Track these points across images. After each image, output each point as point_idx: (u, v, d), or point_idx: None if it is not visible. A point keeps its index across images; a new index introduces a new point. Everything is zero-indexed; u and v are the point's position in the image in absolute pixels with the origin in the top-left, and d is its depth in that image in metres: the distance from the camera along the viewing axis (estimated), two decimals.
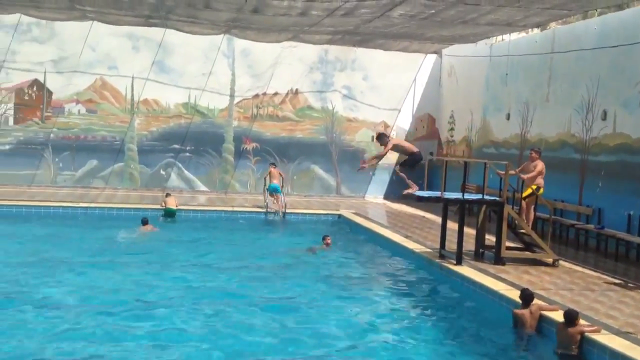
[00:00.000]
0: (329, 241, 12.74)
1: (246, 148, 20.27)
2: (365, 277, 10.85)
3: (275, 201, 16.64)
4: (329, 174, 20.94)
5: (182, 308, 8.28)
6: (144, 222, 13.74)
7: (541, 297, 8.24)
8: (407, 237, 13.19)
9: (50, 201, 15.93)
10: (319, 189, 20.80)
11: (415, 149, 10.95)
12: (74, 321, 7.60)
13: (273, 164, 17.87)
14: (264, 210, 16.77)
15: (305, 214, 17.03)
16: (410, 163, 10.94)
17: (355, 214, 16.77)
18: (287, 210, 16.60)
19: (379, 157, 11.41)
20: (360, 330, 7.84)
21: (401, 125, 21.26)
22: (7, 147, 18.67)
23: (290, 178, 20.47)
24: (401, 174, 11.05)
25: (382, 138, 10.95)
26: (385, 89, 20.73)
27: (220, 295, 9.09)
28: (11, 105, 18.72)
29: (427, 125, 21.45)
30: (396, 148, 11.11)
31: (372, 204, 19.86)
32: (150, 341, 7.04)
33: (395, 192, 20.20)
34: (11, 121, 18.77)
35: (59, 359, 6.44)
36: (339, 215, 16.98)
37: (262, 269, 10.90)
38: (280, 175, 17.06)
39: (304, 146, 20.63)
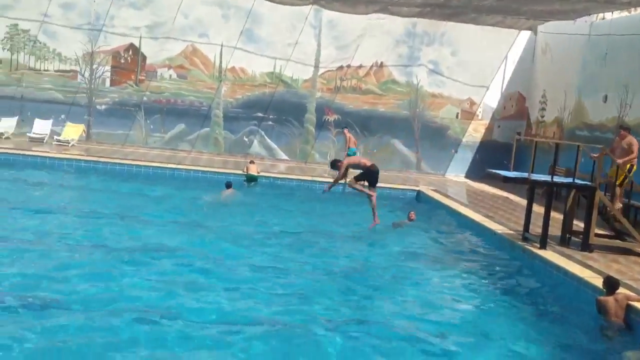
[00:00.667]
0: (413, 217, 12.67)
1: (328, 119, 20.36)
2: (443, 255, 10.74)
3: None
4: (409, 150, 20.72)
5: (258, 272, 8.53)
6: (228, 185, 14.21)
7: (630, 288, 7.87)
8: (488, 217, 12.90)
9: (141, 161, 16.68)
10: (398, 164, 20.65)
11: (368, 163, 12.01)
12: (156, 271, 8.01)
13: (346, 127, 17.92)
14: (343, 182, 16.79)
15: (384, 188, 16.93)
16: (364, 177, 12.02)
17: (435, 191, 16.54)
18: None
19: (337, 179, 12.26)
20: (437, 308, 7.80)
21: (488, 103, 20.64)
22: (104, 107, 19.68)
23: (370, 152, 20.40)
24: (355, 186, 12.02)
25: (334, 165, 12.16)
26: (474, 65, 20.13)
27: (299, 262, 9.25)
28: (108, 67, 19.66)
29: (516, 104, 20.71)
30: (351, 166, 12.17)
31: (453, 182, 19.51)
32: (226, 295, 7.31)
33: (477, 171, 19.78)
34: (108, 83, 19.73)
35: (137, 305, 6.78)
36: (418, 192, 16.80)
37: (341, 240, 10.98)
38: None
39: (386, 120, 20.46)
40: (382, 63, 20.37)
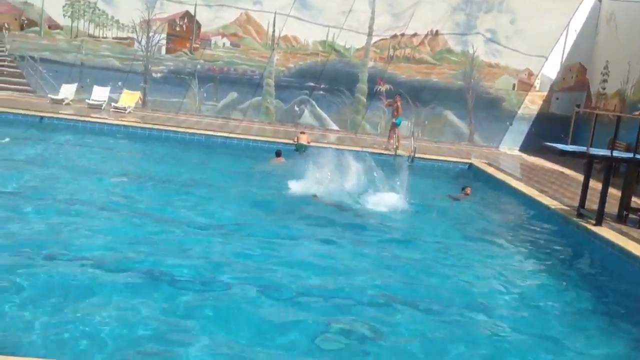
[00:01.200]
0: (469, 191, 12.50)
1: (379, 89, 20.13)
2: (495, 230, 10.55)
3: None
4: (462, 121, 20.31)
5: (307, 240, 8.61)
6: (278, 153, 14.35)
7: None
8: (542, 192, 12.58)
9: (194, 129, 16.98)
10: (450, 136, 20.31)
11: None
12: (204, 235, 8.20)
13: (399, 95, 17.90)
14: (393, 153, 16.69)
15: (435, 160, 16.75)
16: None
17: (488, 164, 16.21)
18: (417, 155, 16.42)
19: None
20: (489, 282, 7.71)
21: (547, 74, 19.94)
22: (159, 75, 20.06)
23: (422, 123, 20.15)
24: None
25: None
26: (533, 34, 19.41)
27: (352, 233, 9.23)
28: (164, 35, 19.96)
29: (576, 75, 19.92)
30: None
31: (507, 155, 19.07)
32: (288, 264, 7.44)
33: (532, 144, 19.25)
34: (163, 51, 20.06)
35: (182, 271, 6.98)
36: (470, 165, 16.52)
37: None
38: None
39: (439, 91, 20.08)
40: (437, 31, 19.91)
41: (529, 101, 20.19)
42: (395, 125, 17.33)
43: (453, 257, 8.54)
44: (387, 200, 10.76)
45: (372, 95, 20.15)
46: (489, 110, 20.15)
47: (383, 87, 20.11)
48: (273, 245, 8.12)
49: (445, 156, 17.17)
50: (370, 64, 20.05)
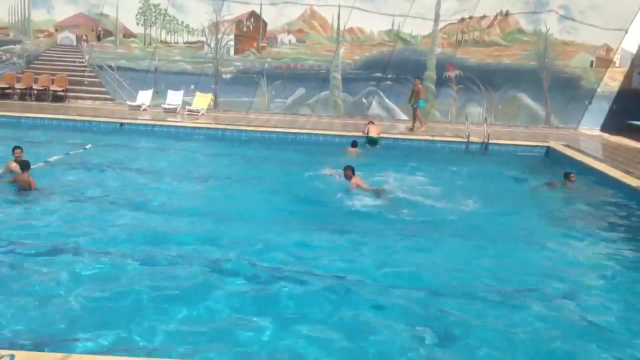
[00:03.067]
0: (573, 178, 11.83)
1: (449, 75, 19.73)
2: (578, 214, 10.14)
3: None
4: (537, 103, 19.60)
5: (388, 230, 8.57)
6: (354, 144, 14.73)
7: None
8: (627, 172, 11.95)
9: (265, 127, 17.26)
10: (525, 119, 19.65)
11: None
12: (273, 231, 8.31)
13: (418, 77, 18.28)
14: (466, 140, 16.33)
15: (510, 145, 16.26)
16: None
17: (567, 146, 15.56)
18: (490, 141, 16.00)
19: None
20: (575, 270, 7.43)
21: (627, 48, 18.88)
22: (229, 76, 20.53)
23: (495, 107, 19.60)
24: None
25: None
26: (610, 7, 18.45)
27: (434, 222, 9.11)
28: (232, 36, 20.40)
29: None
30: None
31: (587, 136, 18.24)
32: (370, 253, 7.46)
33: (614, 123, 18.33)
34: (232, 52, 20.51)
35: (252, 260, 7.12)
36: (548, 148, 15.92)
37: (472, 199, 10.70)
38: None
39: (511, 73, 19.45)
40: (507, 12, 19.27)
41: (609, 78, 19.21)
42: (418, 108, 17.51)
43: (531, 244, 8.28)
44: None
45: (442, 82, 19.78)
46: (566, 90, 19.34)
47: (452, 73, 19.70)
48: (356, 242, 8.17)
49: (521, 140, 16.63)
50: (438, 50, 19.69)
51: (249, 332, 5.44)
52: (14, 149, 10.29)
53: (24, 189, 9.21)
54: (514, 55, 19.45)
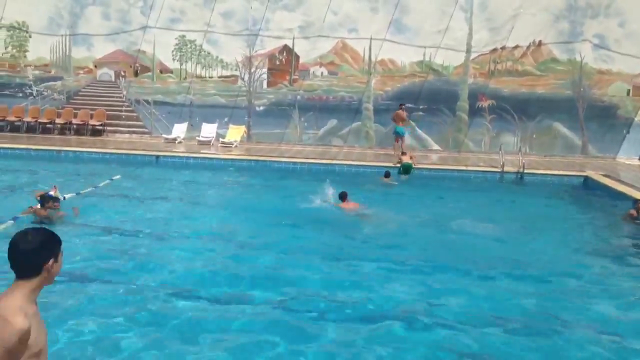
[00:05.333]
0: None
1: (481, 105, 19.62)
2: (620, 246, 9.84)
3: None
4: (573, 132, 19.28)
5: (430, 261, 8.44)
6: (386, 174, 14.80)
7: None
8: None
9: (297, 158, 17.37)
10: (561, 149, 19.32)
11: None
12: (303, 263, 8.26)
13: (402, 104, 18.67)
14: (500, 170, 16.12)
15: (546, 174, 15.98)
16: None
17: (606, 175, 15.21)
18: (526, 171, 15.75)
19: None
20: (612, 305, 7.17)
21: None
22: (262, 108, 20.80)
23: (529, 137, 19.36)
24: None
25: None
26: None
27: (470, 254, 8.95)
28: (265, 70, 20.74)
29: None
30: None
31: (625, 165, 17.81)
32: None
33: None
34: (265, 85, 20.82)
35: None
36: (585, 177, 15.58)
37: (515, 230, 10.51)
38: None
39: (546, 102, 19.24)
40: (540, 42, 19.17)
41: None
42: (398, 135, 17.95)
43: (567, 278, 8.03)
44: None
45: (474, 111, 19.67)
46: (603, 119, 19.01)
47: (485, 103, 19.58)
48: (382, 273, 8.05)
49: (556, 170, 16.33)
50: (470, 80, 19.63)
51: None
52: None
53: (42, 222, 9.38)
54: (548, 85, 19.26)
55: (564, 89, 19.15)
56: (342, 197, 11.55)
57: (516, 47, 19.27)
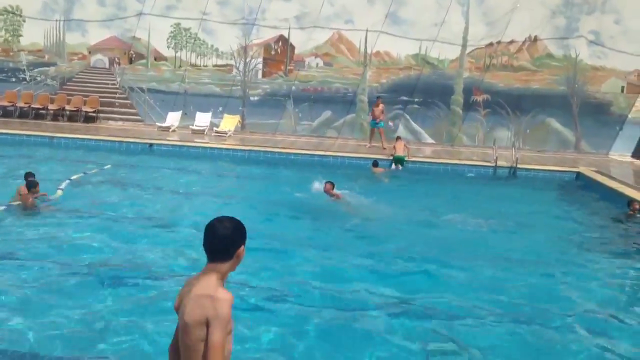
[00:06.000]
0: (637, 206, 11.18)
1: (476, 100, 19.64)
2: (610, 242, 9.90)
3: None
4: (566, 128, 19.35)
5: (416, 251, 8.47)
6: (374, 164, 14.97)
7: None
8: None
9: (291, 149, 17.35)
10: (554, 144, 19.39)
11: None
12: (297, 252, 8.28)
13: (379, 97, 18.52)
14: (493, 165, 16.16)
15: (538, 170, 16.04)
16: None
17: (597, 172, 15.28)
18: (519, 166, 15.80)
19: None
20: (604, 298, 7.24)
21: None
22: (257, 98, 20.75)
23: (523, 132, 19.41)
24: None
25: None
26: None
27: (460, 248, 8.97)
28: (260, 59, 20.67)
29: None
30: None
31: (617, 162, 17.90)
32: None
33: None
34: (260, 75, 20.76)
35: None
36: (578, 173, 15.65)
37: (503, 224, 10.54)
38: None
39: (540, 97, 19.27)
40: (536, 37, 19.18)
41: None
42: (374, 127, 18.14)
43: (564, 273, 8.09)
44: None
45: (469, 106, 19.69)
46: (596, 116, 19.08)
47: (480, 98, 19.60)
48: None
49: (549, 166, 16.40)
50: (466, 74, 19.64)
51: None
52: (26, 175, 10.06)
53: (26, 208, 9.37)
54: (543, 80, 19.30)
55: (558, 85, 19.19)
56: (329, 186, 11.67)
57: (512, 42, 19.28)
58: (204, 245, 2.98)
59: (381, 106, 18.08)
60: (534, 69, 19.32)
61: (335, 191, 11.58)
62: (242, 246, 3.02)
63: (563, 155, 18.61)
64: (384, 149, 17.40)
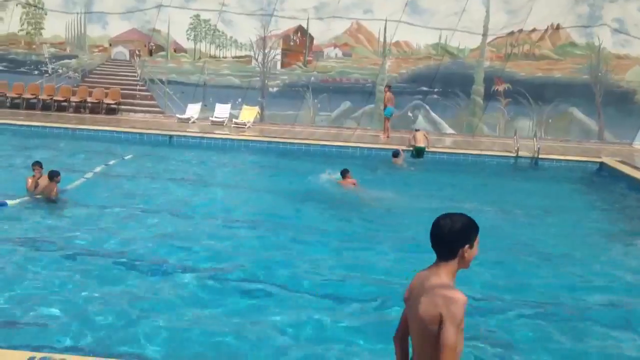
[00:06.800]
0: None
1: (497, 89, 19.42)
2: (636, 234, 9.75)
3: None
4: (589, 118, 19.05)
5: None
6: (395, 154, 14.93)
7: None
8: None
9: (310, 139, 17.35)
10: (577, 134, 19.11)
11: None
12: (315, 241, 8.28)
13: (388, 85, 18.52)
14: (514, 155, 15.98)
15: (561, 160, 15.83)
16: None
17: (621, 162, 15.04)
18: (541, 156, 15.61)
19: None
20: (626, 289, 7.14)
21: None
22: (275, 89, 20.76)
23: (545, 121, 19.16)
24: None
25: None
26: None
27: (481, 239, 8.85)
28: (279, 50, 20.65)
29: None
30: None
31: None
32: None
33: None
34: (279, 65, 20.75)
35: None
36: (601, 164, 15.42)
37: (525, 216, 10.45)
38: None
39: (562, 87, 18.99)
40: (558, 25, 18.87)
41: None
42: (385, 117, 18.02)
43: (584, 262, 8.00)
44: None
45: (489, 95, 19.48)
46: (620, 105, 18.74)
47: (501, 87, 19.38)
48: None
49: (571, 156, 16.17)
50: (486, 63, 19.41)
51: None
52: (34, 165, 9.96)
53: (49, 198, 9.46)
54: (565, 69, 19.00)
55: (581, 74, 18.89)
56: (343, 174, 11.80)
57: (533, 30, 19.00)
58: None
59: (388, 94, 18.03)
60: (557, 58, 19.03)
61: (350, 179, 11.70)
62: (467, 246, 2.86)
63: (586, 145, 18.34)
64: (387, 137, 17.68)
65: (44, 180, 9.60)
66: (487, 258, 7.86)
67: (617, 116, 18.76)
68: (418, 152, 15.80)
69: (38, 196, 9.54)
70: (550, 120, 19.15)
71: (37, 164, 9.89)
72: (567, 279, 7.36)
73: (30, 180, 9.73)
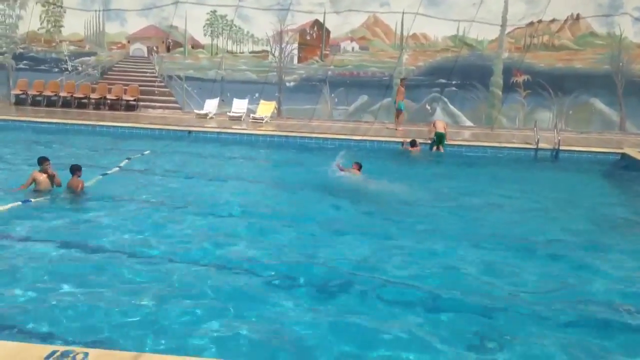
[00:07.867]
0: None
1: (516, 81, 19.21)
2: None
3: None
4: (610, 108, 18.78)
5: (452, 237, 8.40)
6: (413, 143, 15.22)
7: None
8: None
9: (328, 134, 17.33)
10: (598, 125, 18.85)
11: None
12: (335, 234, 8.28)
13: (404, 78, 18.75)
14: (534, 147, 15.83)
15: (581, 151, 15.63)
16: None
17: None
18: (562, 148, 15.43)
19: None
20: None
21: None
22: (292, 84, 20.77)
23: (565, 113, 18.93)
24: None
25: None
26: None
27: (501, 231, 8.86)
28: (295, 45, 20.65)
29: None
30: None
31: None
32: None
33: None
34: (295, 60, 20.75)
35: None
36: (623, 155, 15.19)
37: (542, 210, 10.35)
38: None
39: (583, 77, 18.73)
40: (578, 15, 18.60)
41: None
42: (398, 110, 18.29)
43: (599, 256, 7.90)
44: None
45: (509, 87, 19.28)
46: None
47: (520, 79, 19.17)
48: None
49: (592, 147, 15.95)
50: (505, 55, 19.22)
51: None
52: (41, 160, 9.74)
53: (74, 192, 9.56)
54: (585, 60, 18.74)
55: (602, 64, 18.61)
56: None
57: (553, 20, 18.75)
58: None
59: (401, 89, 18.21)
60: (577, 48, 18.76)
61: (354, 169, 11.97)
62: None
63: (607, 136, 18.09)
64: (397, 130, 17.87)
65: (45, 178, 9.63)
66: (509, 251, 7.87)
67: (639, 106, 18.46)
68: (439, 138, 15.67)
69: (43, 194, 9.58)
70: (570, 112, 18.92)
71: (46, 159, 9.73)
72: (588, 271, 7.26)
73: (41, 178, 9.71)
